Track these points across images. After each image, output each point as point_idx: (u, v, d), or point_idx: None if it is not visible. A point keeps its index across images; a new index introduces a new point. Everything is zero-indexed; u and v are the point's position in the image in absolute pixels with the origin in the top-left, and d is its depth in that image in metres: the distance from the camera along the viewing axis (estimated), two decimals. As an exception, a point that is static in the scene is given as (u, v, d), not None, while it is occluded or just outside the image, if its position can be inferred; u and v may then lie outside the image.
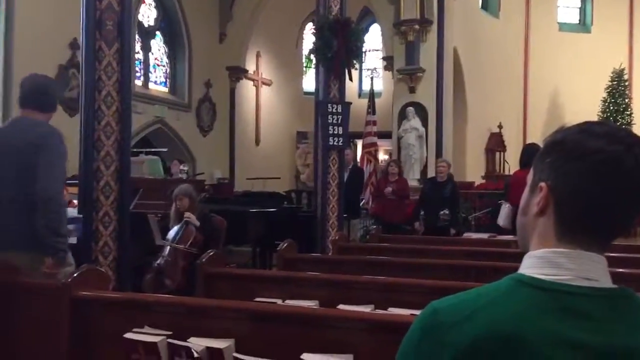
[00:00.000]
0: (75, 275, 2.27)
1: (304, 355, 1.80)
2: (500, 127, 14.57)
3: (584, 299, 0.91)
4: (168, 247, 5.51)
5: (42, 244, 2.81)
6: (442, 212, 7.57)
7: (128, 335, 2.08)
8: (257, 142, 15.60)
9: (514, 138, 14.68)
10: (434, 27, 11.10)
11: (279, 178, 13.08)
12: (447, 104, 11.44)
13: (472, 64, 13.36)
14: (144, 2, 12.63)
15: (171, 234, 5.60)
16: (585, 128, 0.99)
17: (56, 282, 2.30)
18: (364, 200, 10.23)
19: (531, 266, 0.97)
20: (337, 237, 4.53)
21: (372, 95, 10.97)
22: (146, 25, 12.85)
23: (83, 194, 3.98)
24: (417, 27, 11.11)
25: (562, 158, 0.97)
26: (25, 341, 2.32)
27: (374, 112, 10.73)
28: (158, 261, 5.48)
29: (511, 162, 13.61)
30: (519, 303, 0.91)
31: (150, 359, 2.04)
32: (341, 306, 2.47)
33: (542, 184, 0.99)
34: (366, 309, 2.42)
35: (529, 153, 5.70)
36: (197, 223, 5.50)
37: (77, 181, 5.09)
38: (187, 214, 5.50)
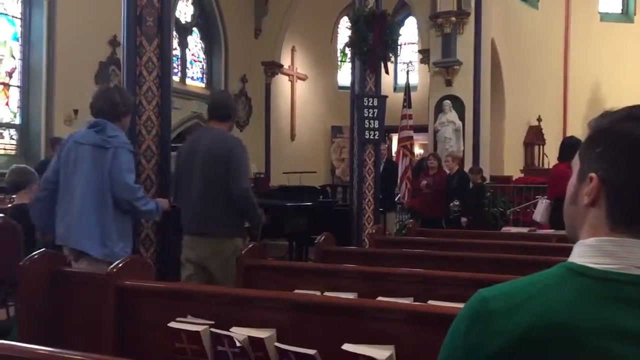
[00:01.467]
0: (119, 265, 2.32)
1: (345, 346, 1.80)
2: (539, 120, 14.29)
3: (636, 288, 0.89)
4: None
5: (234, 226, 3.64)
6: (452, 204, 7.78)
7: (172, 324, 2.11)
8: (293, 136, 15.67)
9: (554, 131, 14.37)
10: (471, 18, 10.94)
11: (315, 172, 13.10)
12: (485, 97, 11.27)
13: (510, 56, 13.12)
14: (182, -1, 12.79)
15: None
16: (632, 114, 0.97)
17: (102, 272, 2.36)
18: (399, 195, 10.18)
19: (582, 255, 0.95)
20: (374, 231, 4.51)
21: (407, 88, 10.88)
22: (183, 22, 13.01)
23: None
24: (453, 19, 10.97)
25: (612, 147, 0.95)
26: (74, 328, 2.39)
27: (409, 106, 10.65)
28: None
29: (551, 156, 13.34)
30: (571, 292, 0.90)
31: (194, 348, 2.07)
32: (380, 298, 2.46)
33: (592, 175, 0.96)
34: (406, 301, 2.41)
35: (568, 146, 5.59)
36: None
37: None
38: None
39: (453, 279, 2.65)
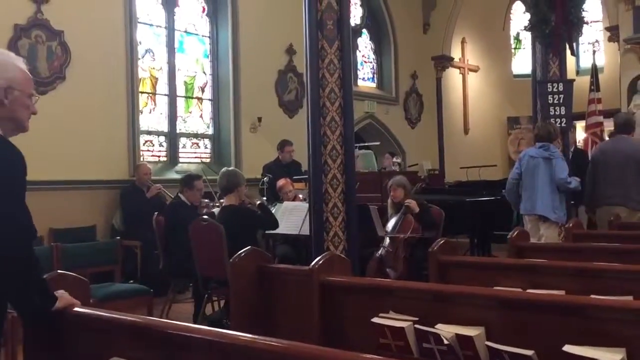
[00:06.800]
0: (320, 261, 2.39)
1: (567, 347, 1.66)
2: None
3: None
4: (388, 238, 5.61)
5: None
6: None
7: (375, 319, 2.12)
8: (466, 130, 15.19)
9: None
10: (668, -14, 9.75)
11: (496, 165, 12.60)
12: (691, 73, 9.98)
13: None
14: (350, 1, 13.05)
15: (390, 224, 5.69)
16: None
17: (304, 268, 2.45)
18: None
19: None
20: (571, 225, 4.18)
21: (594, 70, 10.01)
22: (353, 25, 13.25)
23: (314, 187, 4.21)
24: (646, -11, 9.87)
25: None
26: (281, 319, 2.51)
27: (597, 89, 9.79)
28: (379, 252, 5.61)
29: None
30: None
31: (398, 344, 2.06)
32: (594, 297, 2.25)
33: None
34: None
35: None
36: (417, 209, 5.54)
37: (305, 177, 5.41)
38: (407, 200, 5.57)
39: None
